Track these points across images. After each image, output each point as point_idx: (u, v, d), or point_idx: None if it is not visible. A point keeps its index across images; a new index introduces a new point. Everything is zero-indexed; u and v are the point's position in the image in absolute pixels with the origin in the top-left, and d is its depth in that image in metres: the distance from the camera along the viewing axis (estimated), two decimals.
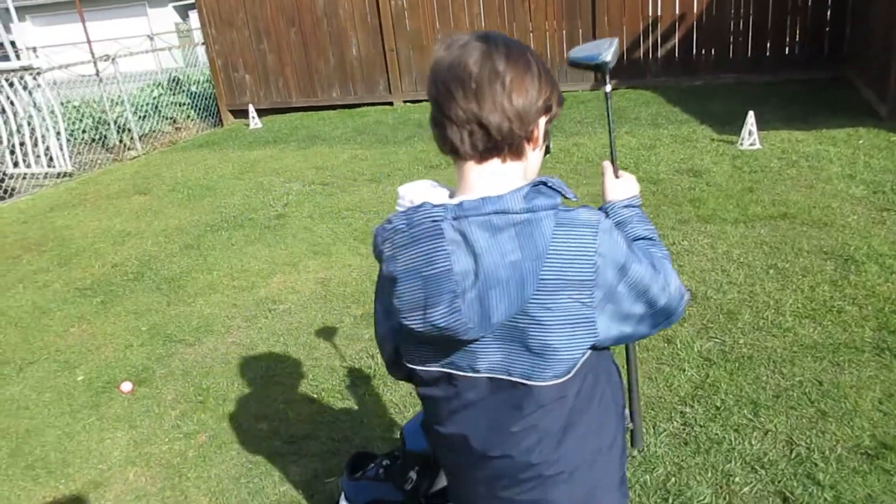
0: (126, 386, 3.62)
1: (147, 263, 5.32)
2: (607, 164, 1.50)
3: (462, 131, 1.16)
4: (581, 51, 1.63)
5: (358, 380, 3.44)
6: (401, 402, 3.21)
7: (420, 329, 1.16)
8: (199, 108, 11.24)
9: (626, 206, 1.43)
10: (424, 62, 10.16)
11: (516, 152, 1.20)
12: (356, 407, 3.23)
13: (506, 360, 1.20)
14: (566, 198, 1.19)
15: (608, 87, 1.62)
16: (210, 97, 11.38)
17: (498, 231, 1.11)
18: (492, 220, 1.12)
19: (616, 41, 1.62)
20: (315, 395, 3.36)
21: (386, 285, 1.21)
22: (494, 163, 1.19)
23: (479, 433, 1.27)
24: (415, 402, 3.17)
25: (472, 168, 1.20)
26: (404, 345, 1.31)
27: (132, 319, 4.42)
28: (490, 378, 1.23)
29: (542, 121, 1.21)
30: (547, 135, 1.25)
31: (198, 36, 18.49)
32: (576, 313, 1.15)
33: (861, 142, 6.02)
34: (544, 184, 1.16)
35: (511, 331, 1.17)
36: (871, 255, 3.99)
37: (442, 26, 9.99)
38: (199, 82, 11.79)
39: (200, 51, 13.78)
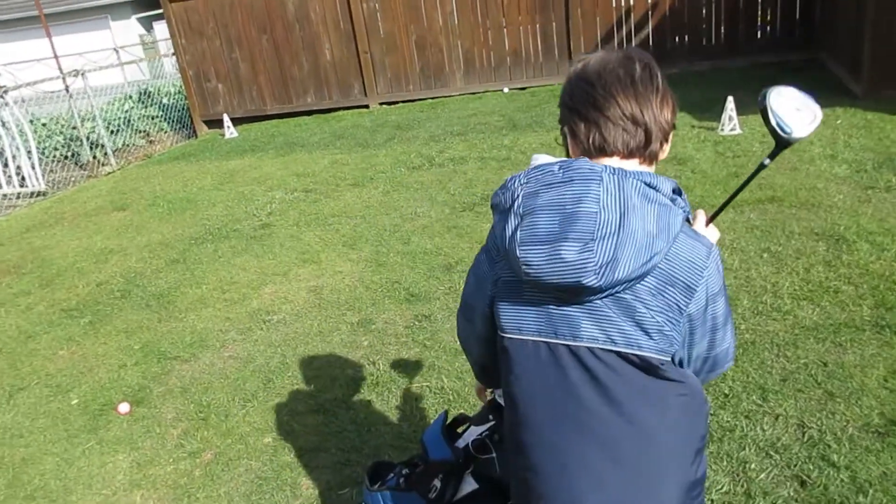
0: (123, 407, 3.54)
1: (133, 280, 5.22)
2: (702, 212, 1.48)
3: (616, 129, 1.26)
4: (781, 106, 1.39)
5: (361, 388, 3.39)
6: (406, 408, 3.18)
7: (538, 262, 1.18)
8: (172, 120, 11.09)
9: None
10: (399, 64, 10.13)
11: (651, 158, 1.31)
12: (362, 415, 3.19)
13: (609, 330, 1.23)
14: (687, 219, 1.31)
15: (768, 161, 1.45)
16: (183, 108, 11.24)
17: (647, 201, 1.19)
18: (645, 189, 1.20)
19: (820, 115, 1.37)
20: (319, 406, 3.31)
21: (506, 225, 1.24)
22: (633, 163, 1.29)
23: (592, 410, 1.26)
24: (422, 406, 3.14)
25: (612, 163, 1.28)
26: (504, 303, 1.32)
27: (123, 338, 4.33)
28: (590, 349, 1.24)
29: (671, 136, 1.34)
30: None
31: (164, 47, 18.25)
32: (672, 313, 1.23)
33: (839, 121, 6.09)
34: (682, 193, 1.29)
35: (617, 302, 1.22)
36: (861, 233, 4.03)
37: (415, 27, 9.95)
38: (169, 94, 11.64)
39: (168, 62, 13.62)
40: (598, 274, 1.16)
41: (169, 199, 7.34)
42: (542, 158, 1.31)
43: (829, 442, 2.57)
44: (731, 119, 6.26)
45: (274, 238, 5.62)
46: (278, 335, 4.05)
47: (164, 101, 11.37)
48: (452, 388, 3.23)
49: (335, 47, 10.26)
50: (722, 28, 9.10)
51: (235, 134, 10.25)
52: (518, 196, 1.24)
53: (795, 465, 2.50)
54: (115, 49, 16.46)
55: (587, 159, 1.24)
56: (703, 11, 9.07)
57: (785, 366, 3.03)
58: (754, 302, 3.54)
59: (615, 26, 9.37)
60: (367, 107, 10.38)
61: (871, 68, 6.48)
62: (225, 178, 7.83)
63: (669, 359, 1.26)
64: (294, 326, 4.12)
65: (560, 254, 1.16)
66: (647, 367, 1.24)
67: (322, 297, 4.42)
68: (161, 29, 19.63)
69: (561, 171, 1.22)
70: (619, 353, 1.24)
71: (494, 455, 1.84)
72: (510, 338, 1.33)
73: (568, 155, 1.36)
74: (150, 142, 10.67)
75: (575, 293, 1.21)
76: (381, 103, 10.35)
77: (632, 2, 9.23)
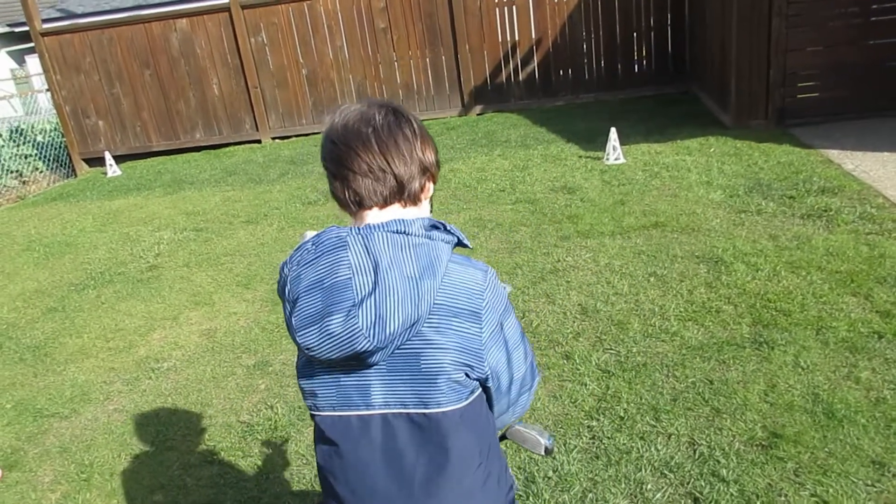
0: None
1: (4, 332, 4.84)
2: None
3: (366, 180, 1.27)
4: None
5: (258, 434, 3.27)
6: (307, 452, 3.08)
7: (314, 344, 1.20)
8: (49, 159, 10.47)
9: None
10: (290, 98, 10.02)
11: (413, 199, 1.32)
12: (260, 463, 3.07)
13: (400, 390, 1.25)
14: (463, 244, 1.31)
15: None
16: (60, 146, 10.64)
17: (400, 249, 1.21)
18: (395, 237, 1.22)
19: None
20: (214, 456, 3.16)
21: (286, 312, 1.27)
22: (394, 208, 1.31)
23: (382, 477, 1.28)
24: None
25: (373, 214, 1.31)
26: (304, 383, 1.33)
27: None
28: (384, 416, 1.26)
29: (429, 177, 1.36)
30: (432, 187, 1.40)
31: (38, 82, 17.24)
32: (466, 342, 1.24)
33: (712, 150, 6.49)
34: (444, 225, 1.29)
35: (405, 357, 1.23)
36: (737, 255, 4.29)
37: (306, 61, 9.89)
38: (45, 131, 10.99)
39: (42, 97, 12.89)
40: (369, 337, 1.17)
41: (45, 242, 6.90)
42: (308, 234, 1.32)
43: (718, 457, 2.68)
44: (615, 149, 6.55)
45: (162, 280, 5.37)
46: (168, 383, 3.85)
47: (39, 138, 10.72)
48: None
49: (223, 82, 10.04)
50: (602, 63, 9.55)
51: (119, 172, 9.80)
52: (287, 283, 1.26)
53: (689, 483, 2.59)
54: None
55: (336, 227, 1.26)
56: (584, 47, 9.50)
57: (675, 385, 3.15)
58: (644, 325, 3.68)
59: (502, 61, 9.66)
60: (259, 142, 10.18)
61: (737, 101, 6.97)
62: (108, 219, 7.45)
63: (466, 404, 1.28)
64: (185, 373, 3.93)
65: (328, 329, 1.18)
66: (441, 418, 1.26)
67: (215, 341, 4.25)
68: (34, 63, 18.61)
69: (314, 246, 1.25)
70: (408, 416, 1.26)
71: None
72: (313, 414, 1.34)
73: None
74: (24, 182, 10.01)
75: (359, 360, 1.23)
76: (274, 138, 10.19)
77: (517, 37, 9.55)
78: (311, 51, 9.86)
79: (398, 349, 1.22)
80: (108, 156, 9.94)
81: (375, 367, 1.25)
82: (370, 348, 1.18)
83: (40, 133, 10.91)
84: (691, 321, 3.65)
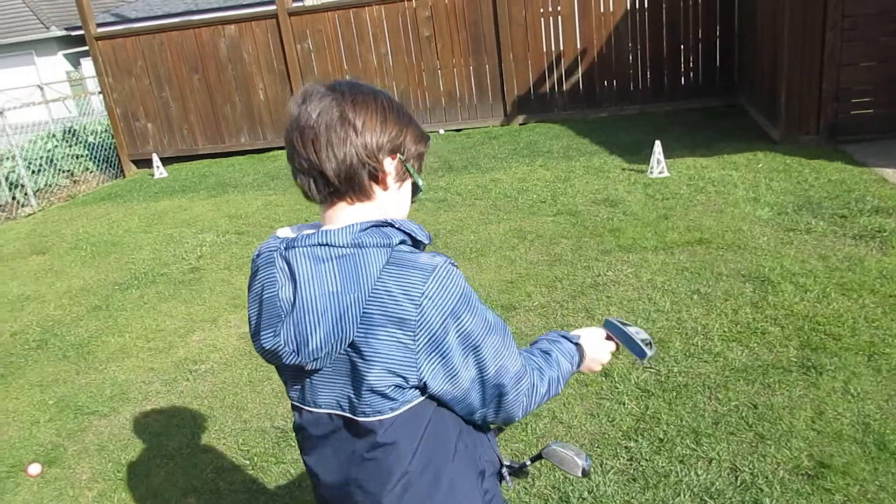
0: (34, 468, 3.31)
1: (50, 329, 4.95)
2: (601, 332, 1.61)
3: (306, 178, 1.23)
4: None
5: (293, 440, 3.26)
6: None
7: (258, 352, 1.25)
8: (99, 160, 10.74)
9: (573, 343, 1.52)
10: None
11: (361, 194, 1.23)
12: (293, 470, 3.06)
13: (337, 394, 1.24)
14: (417, 240, 1.24)
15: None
16: (110, 147, 10.90)
17: (320, 262, 1.17)
18: (315, 251, 1.18)
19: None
20: (248, 461, 3.16)
21: None
22: (341, 205, 1.24)
23: (330, 472, 1.30)
24: None
25: (325, 210, 1.26)
26: (280, 371, 1.35)
27: (37, 392, 4.08)
28: (329, 415, 1.26)
29: (389, 161, 1.24)
30: (405, 174, 1.28)
31: (91, 84, 17.74)
32: (396, 353, 1.16)
33: (760, 165, 6.34)
34: (390, 224, 1.21)
35: (343, 364, 1.20)
36: (785, 275, 4.16)
37: (350, 68, 9.97)
38: (96, 132, 11.28)
39: (95, 99, 13.24)
40: (294, 353, 1.18)
41: (93, 241, 7.06)
42: (280, 232, 1.30)
43: (762, 486, 2.59)
44: (659, 162, 6.44)
45: (204, 283, 5.44)
46: (205, 386, 3.88)
47: (91, 139, 11.01)
48: None
49: (269, 87, 10.18)
50: (648, 74, 9.43)
51: (165, 174, 9.99)
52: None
53: None
54: (39, 86, 15.88)
55: (274, 237, 1.26)
56: (630, 58, 9.39)
57: (717, 408, 3.06)
58: (686, 344, 3.59)
59: (546, 71, 9.60)
60: None
61: (787, 115, 6.80)
62: (153, 220, 7.59)
63: (393, 415, 1.21)
64: (222, 376, 3.96)
65: (261, 344, 1.22)
66: (369, 426, 1.22)
67: (253, 345, 4.27)
68: (89, 66, 19.15)
69: (257, 257, 1.27)
70: (346, 419, 1.24)
71: None
72: (291, 403, 1.36)
73: None
74: (75, 182, 10.28)
75: (306, 372, 1.25)
76: None
77: (562, 47, 9.49)
78: (356, 58, 9.94)
79: (338, 355, 1.20)
80: (155, 157, 10.15)
81: (320, 371, 1.24)
82: (297, 363, 1.19)
83: (92, 134, 11.20)
84: (735, 342, 3.54)
